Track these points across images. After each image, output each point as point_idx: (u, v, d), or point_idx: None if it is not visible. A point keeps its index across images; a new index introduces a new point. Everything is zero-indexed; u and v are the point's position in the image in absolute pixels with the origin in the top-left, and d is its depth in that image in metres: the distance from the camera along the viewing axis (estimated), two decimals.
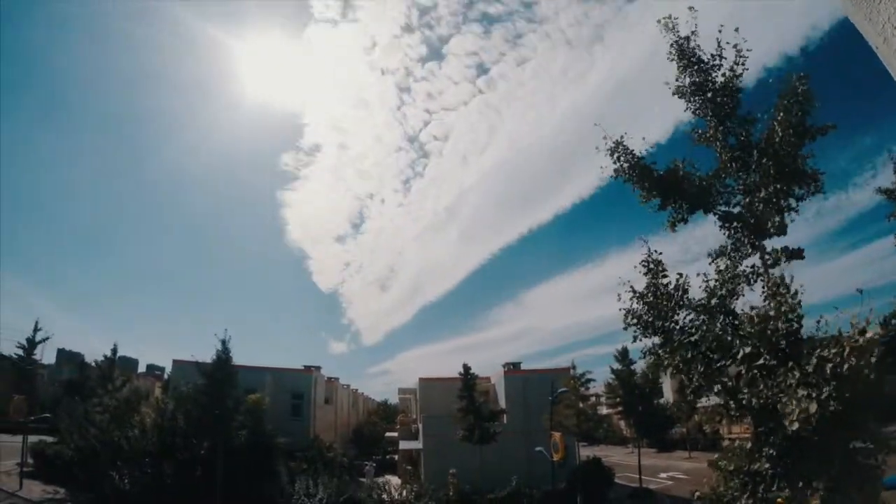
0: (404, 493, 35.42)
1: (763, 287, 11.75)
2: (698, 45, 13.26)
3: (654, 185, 13.16)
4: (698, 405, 13.06)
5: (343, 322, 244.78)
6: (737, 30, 12.70)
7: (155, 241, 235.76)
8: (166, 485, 33.97)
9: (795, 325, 10.44)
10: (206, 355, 35.39)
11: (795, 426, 9.31)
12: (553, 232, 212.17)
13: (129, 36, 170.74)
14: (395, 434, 57.91)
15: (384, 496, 34.70)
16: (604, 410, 62.54)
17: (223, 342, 35.26)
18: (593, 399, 42.98)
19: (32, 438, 40.49)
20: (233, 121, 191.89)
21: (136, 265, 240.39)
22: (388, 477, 45.75)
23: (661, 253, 12.97)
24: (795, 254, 12.08)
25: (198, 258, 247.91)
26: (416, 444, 47.16)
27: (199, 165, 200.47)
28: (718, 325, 11.68)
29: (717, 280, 12.35)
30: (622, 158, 13.36)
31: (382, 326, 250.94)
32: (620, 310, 12.72)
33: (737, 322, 11.55)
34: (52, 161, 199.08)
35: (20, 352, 45.25)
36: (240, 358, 36.66)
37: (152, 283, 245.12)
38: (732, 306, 11.97)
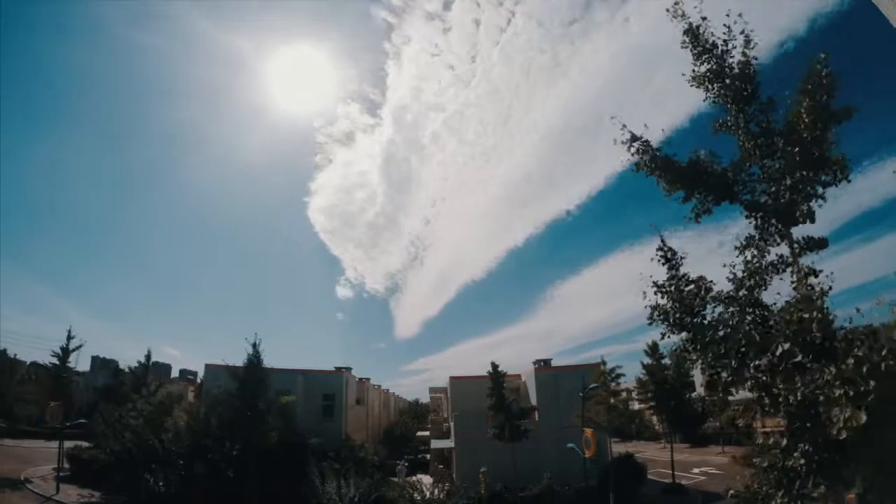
0: (436, 491, 35.42)
1: (791, 277, 11.58)
2: (711, 32, 13.08)
3: (677, 178, 12.96)
4: (731, 399, 12.81)
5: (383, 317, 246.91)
6: (740, 15, 12.52)
7: (187, 249, 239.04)
8: (200, 486, 34.28)
9: (824, 317, 10.27)
10: (239, 359, 35.81)
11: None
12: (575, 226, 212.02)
13: (161, 52, 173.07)
14: (427, 433, 58.01)
15: (416, 495, 34.69)
16: (635, 406, 62.22)
17: (254, 346, 35.66)
18: (624, 394, 42.75)
19: (68, 443, 41.09)
20: (262, 128, 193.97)
21: (171, 274, 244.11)
22: (420, 476, 45.82)
23: (665, 243, 12.86)
24: (818, 243, 11.87)
25: (233, 265, 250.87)
26: (448, 443, 47.16)
27: (229, 173, 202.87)
28: (749, 318, 11.48)
29: (744, 271, 12.16)
30: (642, 151, 13.22)
31: (418, 317, 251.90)
32: (646, 306, 12.57)
33: (766, 314, 11.36)
34: (86, 175, 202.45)
35: (55, 360, 45.92)
36: (273, 360, 36.97)
37: (186, 290, 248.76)
38: (761, 297, 11.78)
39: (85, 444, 45.20)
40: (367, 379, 67.48)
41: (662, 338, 12.34)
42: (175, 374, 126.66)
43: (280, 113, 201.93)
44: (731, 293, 11.83)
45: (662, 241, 12.76)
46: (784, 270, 11.85)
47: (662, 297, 12.27)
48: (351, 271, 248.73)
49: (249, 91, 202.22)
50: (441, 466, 46.63)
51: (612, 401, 38.50)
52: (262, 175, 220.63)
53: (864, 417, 8.83)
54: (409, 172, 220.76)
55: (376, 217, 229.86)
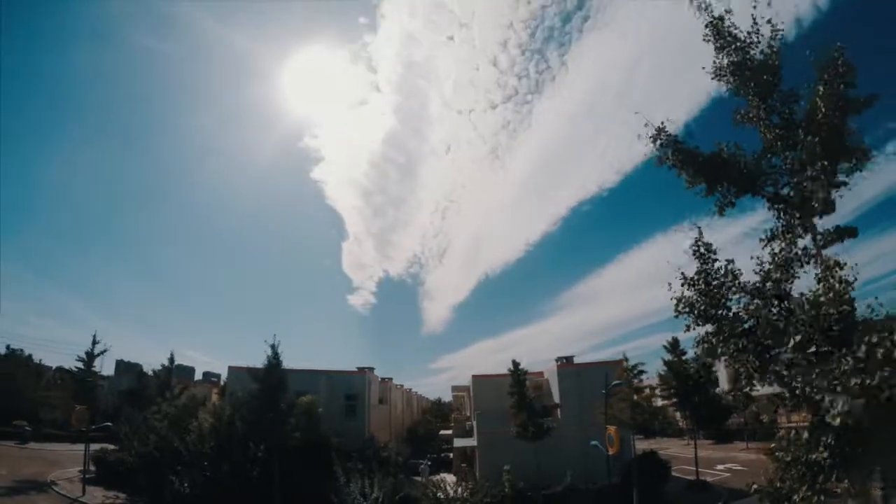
0: (459, 490, 35.42)
1: (816, 269, 11.45)
2: (733, 24, 12.99)
3: (700, 170, 12.88)
4: (755, 394, 12.69)
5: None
6: (769, 4, 12.42)
7: (207, 253, 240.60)
8: (224, 487, 34.53)
9: (847, 309, 10.16)
10: (262, 361, 36.01)
11: (837, 421, 9.06)
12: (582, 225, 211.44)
13: (175, 57, 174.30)
14: (450, 432, 57.97)
15: (439, 494, 34.71)
16: (658, 402, 61.85)
17: (273, 347, 35.78)
18: (647, 391, 42.50)
19: (94, 446, 41.51)
20: (279, 132, 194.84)
21: (193, 279, 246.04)
22: (444, 475, 45.86)
23: (702, 236, 12.68)
24: (847, 232, 11.64)
25: (253, 268, 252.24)
26: (471, 442, 47.14)
27: (244, 175, 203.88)
28: (773, 310, 11.38)
29: (770, 264, 12.02)
30: (665, 145, 13.14)
31: (441, 315, 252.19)
32: (672, 298, 12.47)
33: (791, 306, 11.26)
34: (107, 181, 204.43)
35: (80, 364, 46.42)
36: (296, 362, 37.18)
37: (209, 294, 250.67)
38: (788, 290, 11.67)
39: (110, 446, 45.66)
40: (390, 378, 67.61)
41: (687, 330, 12.24)
42: (199, 376, 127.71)
43: (292, 113, 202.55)
44: (757, 285, 11.72)
45: (700, 234, 12.64)
46: (809, 262, 11.74)
47: (689, 290, 12.18)
48: (370, 270, 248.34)
49: (263, 94, 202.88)
50: (464, 465, 46.65)
51: (635, 397, 38.37)
52: (277, 175, 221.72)
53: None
54: (424, 166, 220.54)
55: (395, 211, 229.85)
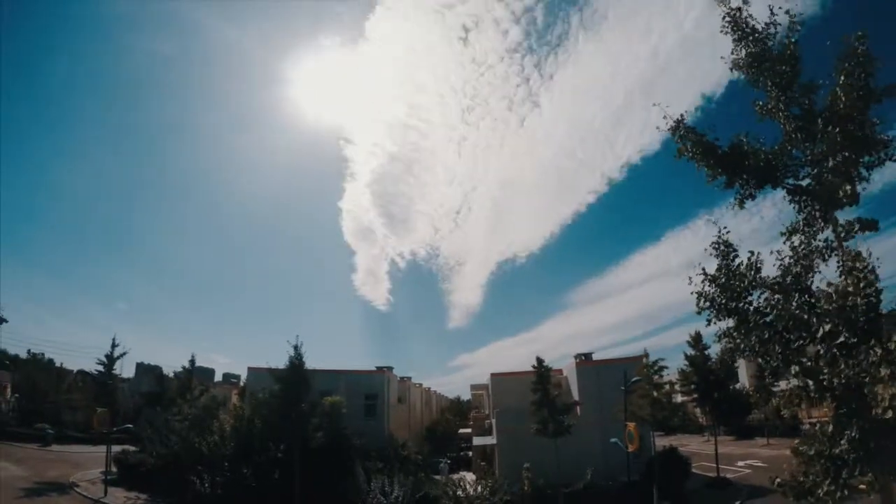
0: (479, 488, 35.41)
1: (838, 262, 11.33)
2: (751, 15, 12.88)
3: (720, 163, 12.79)
4: (776, 388, 12.62)
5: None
6: None
7: (223, 255, 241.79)
8: (245, 487, 34.72)
9: (874, 300, 10.08)
10: (280, 362, 36.14)
11: (889, 414, 8.97)
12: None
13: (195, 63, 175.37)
14: (469, 430, 58.02)
15: (459, 492, 34.72)
16: (679, 398, 61.57)
17: (295, 348, 35.86)
18: (667, 387, 42.24)
19: (115, 448, 41.86)
20: (296, 135, 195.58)
21: (209, 281, 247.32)
22: (463, 473, 45.88)
23: (728, 231, 12.58)
24: (868, 225, 11.46)
25: (272, 270, 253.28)
26: (490, 440, 47.11)
27: (262, 176, 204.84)
28: (794, 303, 11.29)
29: (791, 257, 11.95)
30: (684, 137, 13.05)
31: (463, 311, 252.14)
32: (692, 293, 12.40)
33: (813, 300, 11.16)
34: (127, 185, 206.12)
35: (101, 368, 46.82)
36: (314, 363, 37.21)
37: (226, 296, 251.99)
38: (809, 283, 11.57)
39: (131, 448, 46.06)
40: (409, 378, 67.70)
41: (708, 324, 12.18)
42: (218, 378, 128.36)
43: (310, 114, 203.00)
44: (777, 279, 11.63)
45: (720, 234, 12.60)
46: (831, 255, 11.63)
47: (710, 285, 12.10)
48: (386, 267, 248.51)
49: (282, 96, 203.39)
50: (483, 463, 46.61)
51: (655, 394, 38.08)
52: (295, 176, 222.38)
53: None
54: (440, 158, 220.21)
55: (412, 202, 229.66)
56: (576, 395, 45.00)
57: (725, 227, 12.55)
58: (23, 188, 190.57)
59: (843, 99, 11.32)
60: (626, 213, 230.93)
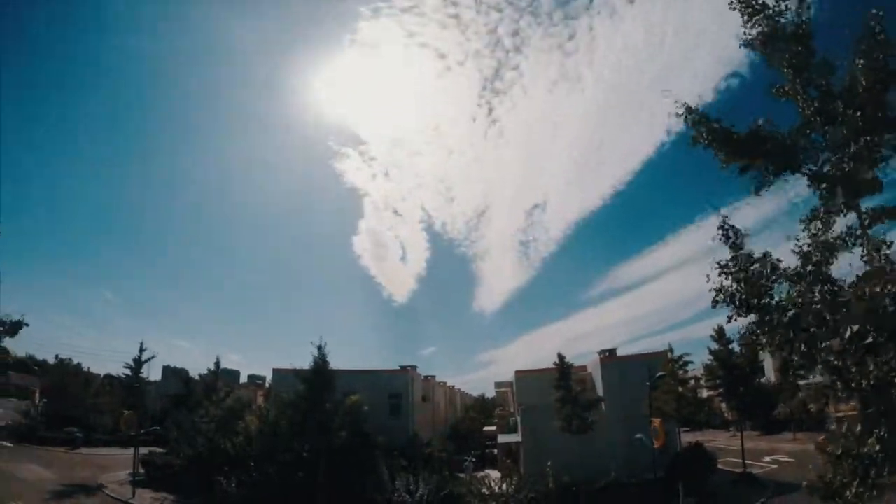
0: (504, 486, 35.41)
1: (863, 250, 11.10)
2: None
3: (736, 149, 12.47)
4: (802, 383, 12.37)
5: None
6: None
7: (243, 257, 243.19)
8: (271, 487, 34.99)
9: None
10: (303, 363, 36.40)
11: None
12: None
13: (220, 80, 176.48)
14: (494, 428, 58.06)
15: (484, 490, 34.75)
16: (704, 394, 61.17)
17: (319, 348, 36.11)
18: (692, 382, 42.02)
19: (143, 450, 42.31)
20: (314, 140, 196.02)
21: (232, 284, 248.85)
22: (488, 471, 45.87)
23: (727, 216, 12.30)
24: (892, 213, 11.22)
25: (293, 272, 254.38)
26: (515, 437, 47.11)
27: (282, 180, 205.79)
28: (817, 294, 11.09)
29: (810, 245, 11.60)
30: (698, 124, 12.69)
31: (495, 300, 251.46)
32: (710, 290, 12.22)
33: (836, 290, 10.97)
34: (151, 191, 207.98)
35: (128, 371, 47.42)
36: (339, 362, 37.45)
37: (248, 299, 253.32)
38: (829, 273, 11.34)
39: (158, 450, 46.56)
40: (433, 376, 67.90)
41: (729, 321, 11.96)
42: (243, 379, 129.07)
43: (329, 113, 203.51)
44: (798, 269, 11.39)
45: (724, 219, 12.27)
46: (854, 243, 11.35)
47: (727, 279, 11.92)
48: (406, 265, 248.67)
49: (303, 104, 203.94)
50: (508, 461, 46.60)
51: (680, 389, 37.95)
52: (315, 179, 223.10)
53: None
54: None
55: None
56: (600, 392, 44.86)
57: (725, 213, 12.31)
58: (43, 195, 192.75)
59: (864, 81, 11.05)
60: (651, 203, 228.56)
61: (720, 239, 12.19)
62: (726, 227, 12.25)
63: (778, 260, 11.59)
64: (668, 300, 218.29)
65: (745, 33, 12.65)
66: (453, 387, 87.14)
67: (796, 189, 12.48)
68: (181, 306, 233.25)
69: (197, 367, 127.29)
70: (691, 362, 39.96)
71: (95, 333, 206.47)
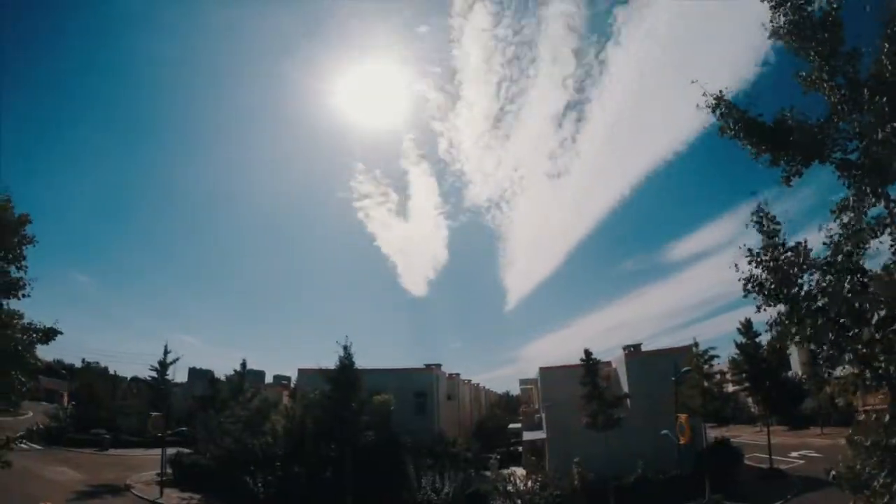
0: (529, 483, 35.38)
1: (891, 238, 10.96)
2: None
3: (764, 140, 12.26)
4: (830, 376, 12.17)
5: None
6: None
7: (265, 259, 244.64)
8: (298, 486, 35.23)
9: None
10: (328, 363, 36.59)
11: None
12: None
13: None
14: (519, 425, 57.98)
15: (509, 488, 34.74)
16: (730, 388, 60.77)
17: (345, 348, 36.27)
18: (718, 377, 41.67)
19: (170, 450, 42.74)
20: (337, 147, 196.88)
21: (256, 285, 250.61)
22: (514, 468, 45.81)
23: (767, 202, 12.15)
24: None
25: (315, 274, 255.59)
26: (540, 434, 47.04)
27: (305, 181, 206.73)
28: (847, 285, 10.98)
29: (841, 235, 11.39)
30: (726, 115, 12.51)
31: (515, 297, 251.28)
32: (739, 279, 12.12)
33: (866, 280, 10.86)
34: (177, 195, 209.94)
35: (154, 374, 47.93)
36: (364, 361, 37.64)
37: (273, 300, 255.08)
38: (861, 262, 11.21)
39: (185, 450, 47.04)
40: (457, 374, 67.99)
41: (758, 311, 11.81)
42: (269, 379, 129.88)
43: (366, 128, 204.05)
44: (828, 259, 11.28)
45: (760, 207, 12.11)
46: (883, 232, 11.19)
47: (757, 267, 11.81)
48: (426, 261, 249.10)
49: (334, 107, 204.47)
50: (534, 458, 46.53)
51: (705, 384, 37.68)
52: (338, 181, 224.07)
53: None
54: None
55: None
56: (625, 388, 44.61)
57: (764, 199, 12.19)
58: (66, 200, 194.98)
59: (888, 67, 10.88)
60: (679, 193, 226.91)
61: (754, 226, 12.03)
62: (761, 213, 12.07)
63: (809, 248, 11.44)
64: (692, 294, 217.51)
65: (771, 21, 12.49)
66: (478, 384, 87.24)
67: (827, 178, 12.32)
68: (207, 309, 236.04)
69: (223, 368, 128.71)
70: (717, 356, 39.64)
71: (121, 337, 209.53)
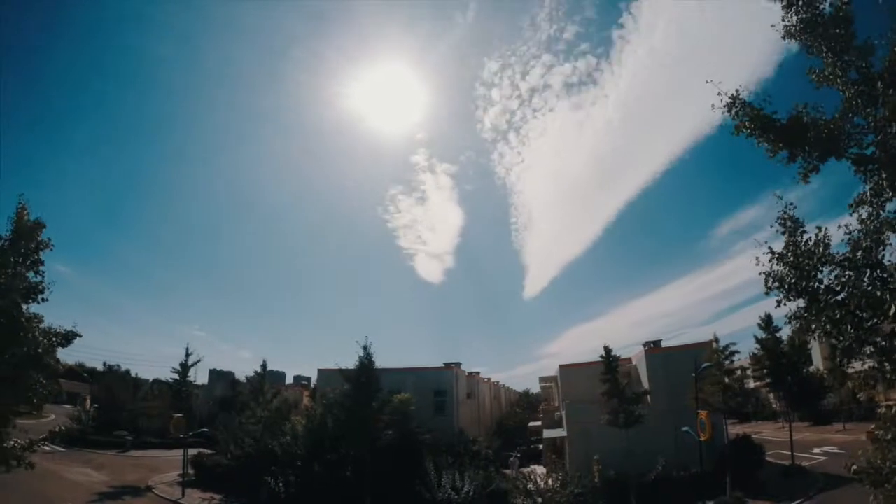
0: (550, 482, 35.30)
1: None
2: None
3: (780, 137, 12.14)
4: (851, 370, 12.08)
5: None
6: None
7: (285, 262, 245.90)
8: (318, 485, 35.42)
9: None
10: (348, 362, 36.78)
11: None
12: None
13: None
14: (539, 423, 57.93)
15: (530, 486, 34.67)
16: (751, 384, 60.30)
17: (365, 348, 36.42)
18: (739, 373, 41.38)
19: (191, 451, 43.13)
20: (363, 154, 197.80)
21: (282, 290, 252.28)
22: (534, 467, 45.75)
23: (795, 206, 11.98)
24: None
25: (335, 275, 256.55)
26: (560, 432, 46.98)
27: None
28: (866, 279, 10.91)
29: (860, 230, 11.30)
30: (741, 114, 12.39)
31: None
32: (760, 274, 12.06)
33: (885, 275, 10.79)
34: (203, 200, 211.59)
35: (175, 376, 48.33)
36: (384, 360, 37.80)
37: (293, 301, 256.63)
38: (880, 257, 11.13)
39: (206, 451, 47.46)
40: (477, 372, 68.16)
41: (778, 305, 11.76)
42: (289, 380, 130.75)
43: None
44: (847, 255, 11.22)
45: (785, 211, 12.03)
46: None
47: (778, 264, 11.77)
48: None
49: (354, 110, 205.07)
50: (554, 456, 46.46)
51: (726, 380, 37.44)
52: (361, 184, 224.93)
53: None
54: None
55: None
56: (645, 384, 44.50)
57: (792, 203, 12.06)
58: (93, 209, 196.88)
59: None
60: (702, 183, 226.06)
61: (779, 230, 11.98)
62: (786, 216, 12.02)
63: (829, 239, 11.35)
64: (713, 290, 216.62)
65: (783, 21, 12.42)
66: (497, 383, 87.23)
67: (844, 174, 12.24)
68: (230, 314, 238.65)
69: (245, 370, 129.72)
70: (737, 352, 39.34)
71: (145, 341, 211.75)
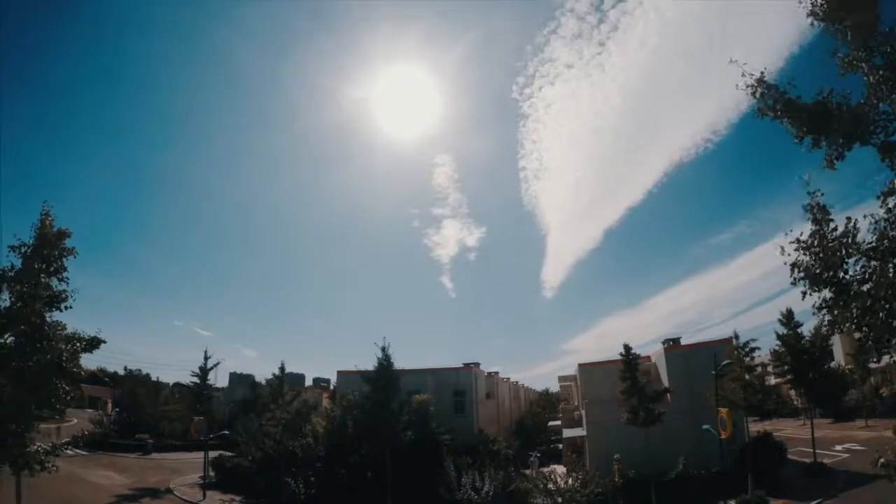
0: (570, 481, 35.20)
1: None
2: None
3: (805, 122, 11.86)
4: (873, 364, 11.91)
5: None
6: None
7: (313, 268, 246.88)
8: (338, 486, 35.54)
9: None
10: (367, 364, 36.85)
11: None
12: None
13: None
14: (559, 423, 57.77)
15: (549, 486, 34.57)
16: (772, 381, 59.85)
17: (383, 349, 36.45)
18: (760, 369, 41.05)
19: (212, 453, 43.43)
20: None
21: (303, 295, 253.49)
22: (554, 466, 45.69)
23: (823, 194, 11.79)
24: None
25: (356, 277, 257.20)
26: (580, 431, 46.77)
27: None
28: (891, 270, 10.73)
29: (887, 220, 10.97)
30: (766, 96, 12.14)
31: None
32: (785, 263, 11.86)
33: None
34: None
35: (196, 379, 48.59)
36: (403, 361, 37.88)
37: (313, 303, 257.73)
38: None
39: (227, 453, 47.78)
40: (496, 372, 68.08)
41: (804, 297, 11.58)
42: (309, 382, 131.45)
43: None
44: (873, 244, 11.03)
45: (814, 196, 11.81)
46: None
47: (804, 254, 11.60)
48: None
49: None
50: (574, 455, 46.32)
51: (746, 377, 37.12)
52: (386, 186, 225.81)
53: None
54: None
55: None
56: (665, 382, 44.20)
57: (820, 191, 11.84)
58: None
59: None
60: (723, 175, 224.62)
61: (807, 216, 11.78)
62: (814, 203, 11.79)
63: (857, 229, 11.14)
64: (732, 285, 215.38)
65: (811, 2, 12.19)
66: (517, 382, 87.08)
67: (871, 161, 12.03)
68: (251, 318, 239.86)
69: (264, 373, 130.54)
70: (758, 348, 38.96)
71: (165, 344, 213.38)
